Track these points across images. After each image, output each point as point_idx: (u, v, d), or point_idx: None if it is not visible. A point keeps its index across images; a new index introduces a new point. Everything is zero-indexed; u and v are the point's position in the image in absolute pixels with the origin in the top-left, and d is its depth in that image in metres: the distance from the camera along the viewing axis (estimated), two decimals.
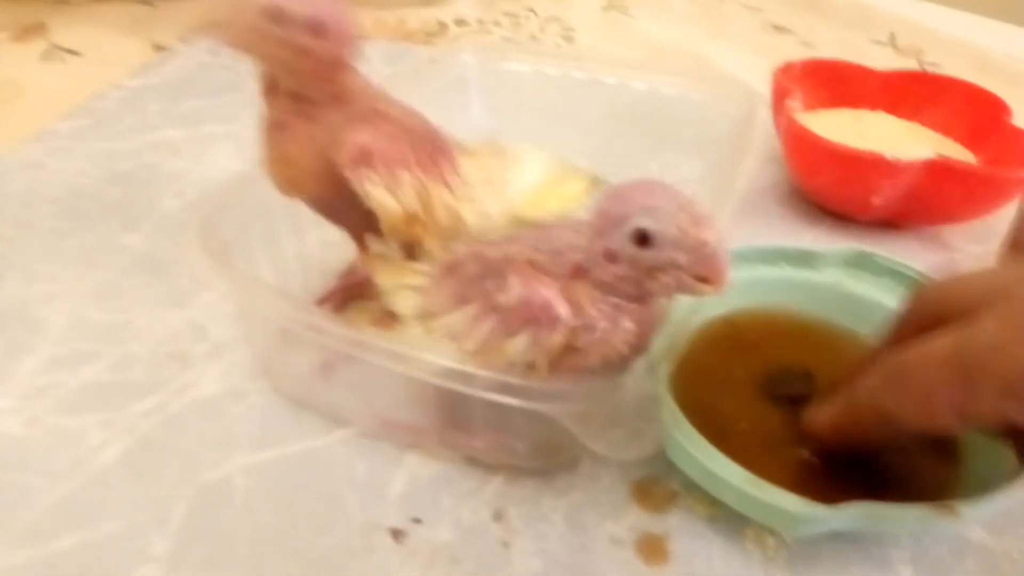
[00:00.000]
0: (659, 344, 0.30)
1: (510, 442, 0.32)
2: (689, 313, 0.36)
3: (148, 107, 0.56)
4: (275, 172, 0.32)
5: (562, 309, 0.25)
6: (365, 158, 0.30)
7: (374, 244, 0.32)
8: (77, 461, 0.32)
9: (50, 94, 0.57)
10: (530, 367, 0.26)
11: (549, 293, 0.25)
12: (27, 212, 0.45)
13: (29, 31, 0.66)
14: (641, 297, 0.26)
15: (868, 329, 0.37)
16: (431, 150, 0.32)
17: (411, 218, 0.31)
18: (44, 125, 0.53)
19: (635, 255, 0.24)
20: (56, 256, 0.42)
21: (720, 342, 0.37)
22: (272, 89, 0.30)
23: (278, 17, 0.27)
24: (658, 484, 0.32)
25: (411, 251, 0.32)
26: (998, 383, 0.24)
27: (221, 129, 0.54)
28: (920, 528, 0.31)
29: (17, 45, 0.64)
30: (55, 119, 0.54)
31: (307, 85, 0.29)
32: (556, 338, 0.25)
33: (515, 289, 0.26)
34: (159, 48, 0.64)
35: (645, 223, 0.24)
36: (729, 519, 0.31)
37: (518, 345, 0.26)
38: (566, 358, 0.26)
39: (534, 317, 0.25)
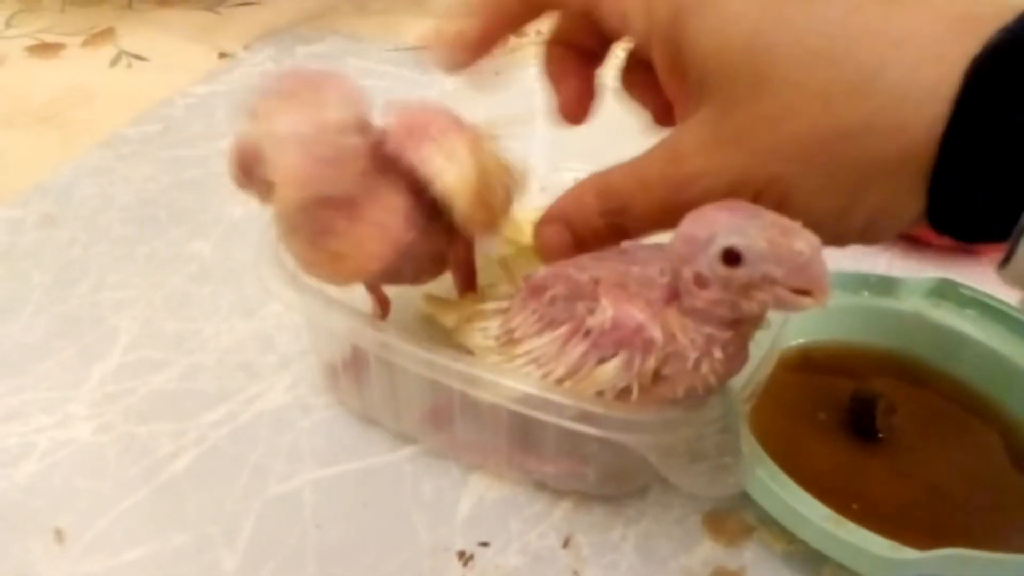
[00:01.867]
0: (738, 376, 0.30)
1: (581, 468, 0.31)
2: (767, 345, 0.35)
3: (215, 114, 0.56)
4: (328, 272, 0.28)
5: (656, 332, 0.24)
6: (420, 130, 0.27)
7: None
8: (148, 470, 0.32)
9: (119, 100, 0.58)
10: (620, 394, 0.25)
11: (642, 316, 0.24)
12: (99, 217, 0.45)
13: (99, 37, 0.67)
14: (736, 323, 0.25)
15: (952, 361, 0.36)
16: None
17: (481, 194, 0.27)
18: (114, 130, 0.54)
19: (726, 276, 0.23)
20: (127, 263, 0.42)
21: (798, 374, 0.36)
22: (304, 209, 0.26)
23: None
24: (732, 516, 0.31)
25: (489, 226, 0.29)
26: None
27: None
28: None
29: (87, 50, 0.65)
30: (124, 125, 0.55)
31: (348, 184, 0.26)
32: (650, 363, 0.24)
33: (607, 311, 0.25)
34: (224, 55, 0.65)
35: (732, 240, 0.23)
36: (807, 557, 0.30)
37: (610, 371, 0.25)
38: (654, 387, 0.25)
39: (627, 341, 0.24)
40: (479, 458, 0.32)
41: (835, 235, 0.23)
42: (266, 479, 0.32)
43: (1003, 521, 0.32)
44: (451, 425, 0.32)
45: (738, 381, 0.29)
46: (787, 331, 0.33)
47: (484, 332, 0.29)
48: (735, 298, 0.24)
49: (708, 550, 0.30)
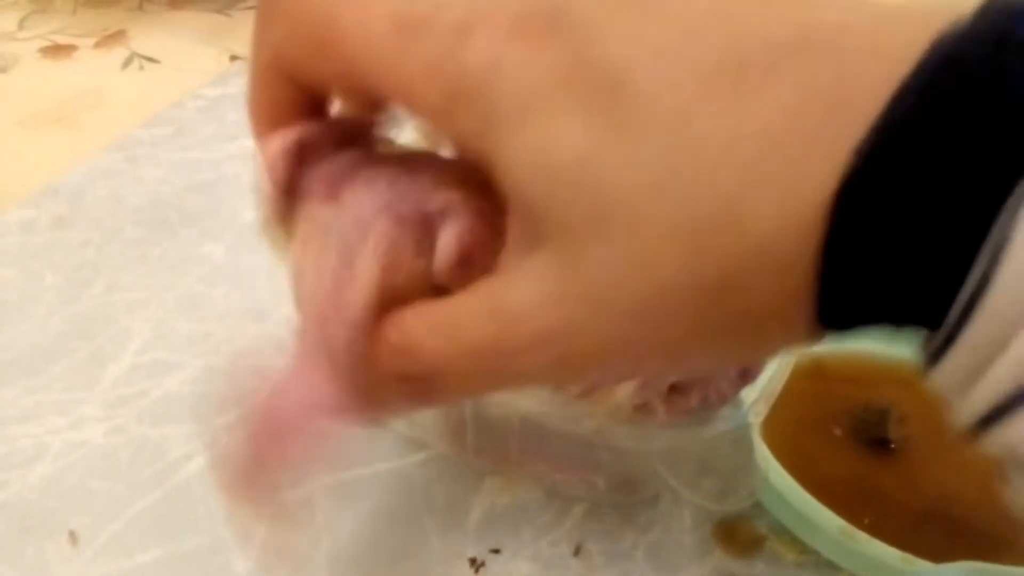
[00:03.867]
0: (751, 386, 0.30)
1: (591, 476, 0.31)
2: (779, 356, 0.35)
3: (226, 117, 0.56)
4: None
5: None
6: None
7: None
8: (161, 472, 0.32)
9: (131, 102, 0.58)
10: (637, 410, 0.25)
11: None
12: (112, 219, 0.45)
13: (111, 38, 0.67)
14: None
15: None
16: None
17: None
18: (126, 132, 0.54)
19: None
20: (139, 264, 0.42)
21: (812, 383, 0.36)
22: None
23: None
24: (743, 526, 0.31)
25: None
26: None
27: None
28: None
29: (99, 52, 0.66)
30: (136, 127, 0.55)
31: None
32: (665, 380, 0.25)
33: None
34: (235, 58, 0.65)
35: None
36: (819, 567, 0.30)
37: (626, 388, 0.25)
38: (669, 397, 0.25)
39: None
40: (491, 463, 0.32)
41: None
42: (278, 483, 0.32)
43: (1019, 532, 0.32)
44: (463, 430, 0.32)
45: (750, 393, 0.29)
46: None
47: None
48: None
49: (719, 560, 0.30)
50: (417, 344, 0.18)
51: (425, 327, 0.18)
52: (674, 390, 0.25)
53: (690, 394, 0.25)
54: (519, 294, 0.17)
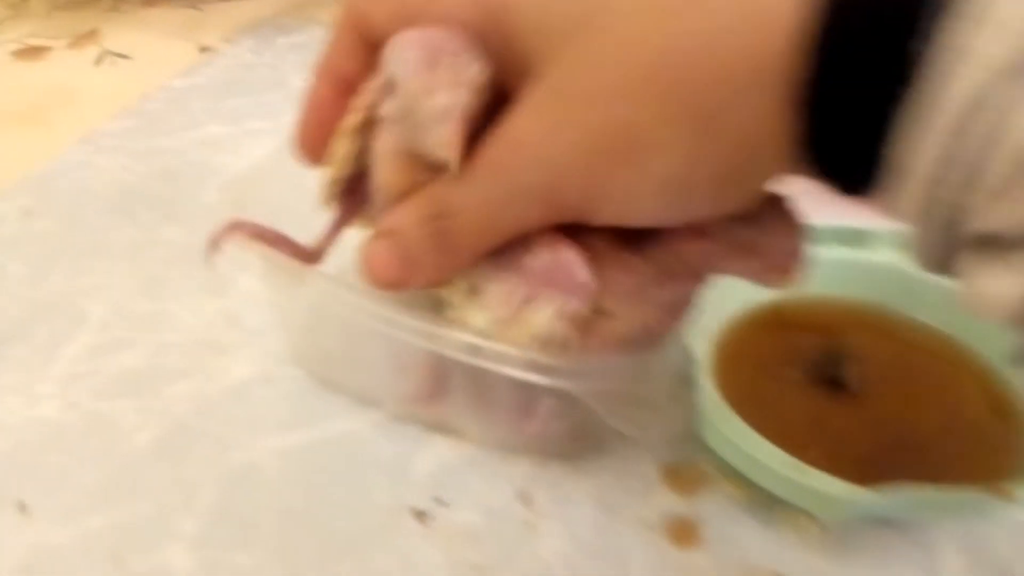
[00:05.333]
0: (698, 327, 0.30)
1: (537, 425, 0.31)
2: (734, 297, 0.35)
3: (193, 106, 0.57)
4: None
5: (585, 274, 0.24)
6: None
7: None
8: (112, 444, 0.32)
9: (101, 97, 0.59)
10: (561, 344, 0.25)
11: (573, 256, 0.24)
12: (76, 209, 0.46)
13: (83, 38, 0.68)
14: (701, 276, 0.25)
15: (927, 311, 0.35)
16: None
17: None
18: (94, 126, 0.55)
19: (729, 230, 0.23)
20: (102, 250, 0.43)
21: (767, 327, 0.36)
22: None
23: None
24: (689, 466, 0.31)
25: None
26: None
27: (263, 125, 0.54)
28: (972, 513, 0.29)
29: (72, 52, 0.66)
30: (105, 120, 0.55)
31: None
32: (583, 308, 0.24)
33: (543, 254, 0.24)
34: (205, 50, 0.65)
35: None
36: (765, 503, 0.29)
37: (544, 316, 0.25)
38: (597, 324, 0.25)
39: (557, 282, 0.24)
40: (439, 419, 0.32)
41: (711, 186, 0.20)
42: (227, 449, 0.32)
43: (978, 465, 0.31)
44: (412, 380, 0.32)
45: (694, 334, 0.29)
46: (760, 288, 0.33)
47: (452, 286, 0.29)
48: (722, 253, 0.24)
49: (664, 500, 0.30)
50: (438, 189, 0.23)
51: (446, 178, 0.23)
52: (603, 315, 0.25)
53: (619, 321, 0.25)
54: (519, 121, 0.21)
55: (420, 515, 0.30)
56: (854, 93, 0.17)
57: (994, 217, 0.15)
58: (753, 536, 0.29)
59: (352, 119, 0.25)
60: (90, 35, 0.69)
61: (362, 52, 0.25)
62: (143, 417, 0.33)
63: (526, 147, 0.21)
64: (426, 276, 0.25)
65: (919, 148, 0.16)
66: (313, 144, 0.26)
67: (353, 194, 0.27)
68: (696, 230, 0.23)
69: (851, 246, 0.37)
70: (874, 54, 0.16)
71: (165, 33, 0.69)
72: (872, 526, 0.29)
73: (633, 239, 0.24)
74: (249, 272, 0.40)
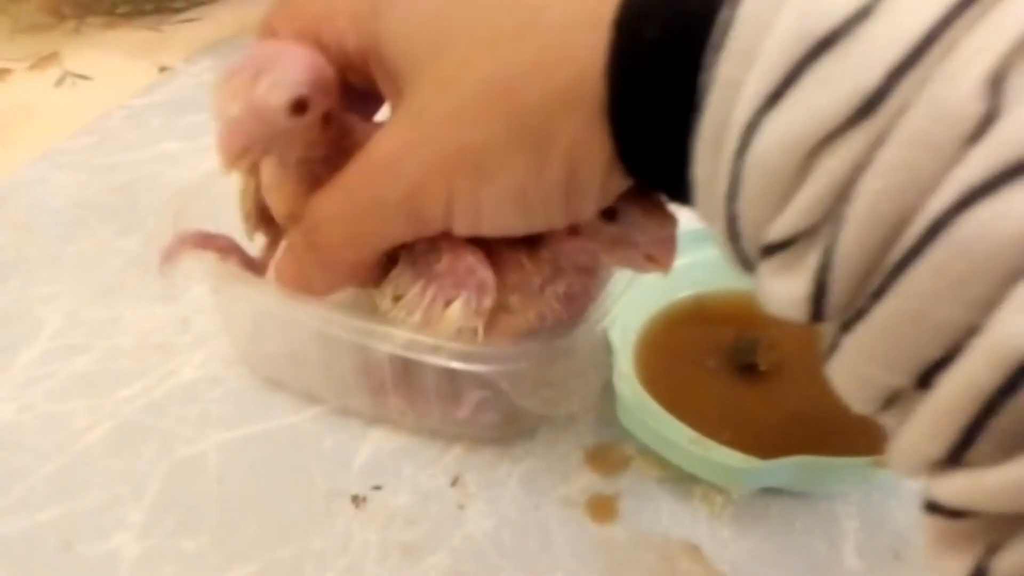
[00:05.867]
0: (621, 320, 0.32)
1: (466, 412, 0.33)
2: (657, 292, 0.37)
3: (150, 123, 0.58)
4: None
5: (486, 273, 0.26)
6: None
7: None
8: (64, 442, 0.34)
9: (61, 117, 0.61)
10: (474, 335, 0.27)
11: (473, 259, 0.26)
12: (32, 222, 0.47)
13: (45, 60, 0.70)
14: (586, 270, 0.27)
15: None
16: None
17: None
18: (53, 144, 0.56)
19: (599, 227, 0.26)
20: (57, 261, 0.44)
21: (688, 319, 0.38)
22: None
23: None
24: (612, 449, 0.33)
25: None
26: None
27: None
28: (867, 483, 0.32)
29: (33, 73, 0.68)
30: (63, 139, 0.57)
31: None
32: (487, 301, 0.27)
33: (446, 258, 0.27)
34: (164, 69, 0.67)
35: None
36: (679, 480, 0.32)
37: (455, 312, 0.27)
38: (506, 316, 0.27)
39: (462, 282, 0.26)
40: (377, 411, 0.34)
41: (556, 198, 0.22)
42: (174, 444, 0.34)
43: (875, 438, 0.33)
44: (351, 377, 0.34)
45: (608, 321, 0.31)
46: (681, 279, 0.35)
47: (382, 293, 0.31)
48: (599, 249, 0.26)
49: (587, 480, 0.32)
50: (314, 202, 0.25)
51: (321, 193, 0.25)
52: (509, 309, 0.27)
53: (526, 310, 0.27)
54: (380, 139, 0.23)
55: (357, 500, 0.31)
56: (646, 116, 0.19)
57: (765, 228, 0.17)
58: (667, 510, 0.31)
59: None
60: (51, 57, 0.70)
61: None
62: (96, 417, 0.35)
63: (386, 164, 0.23)
64: (324, 284, 0.27)
65: (696, 166, 0.18)
66: (231, 157, 0.28)
67: (272, 221, 0.29)
68: (572, 230, 0.25)
69: None
70: (657, 83, 0.18)
71: (126, 54, 0.70)
72: (777, 498, 0.31)
73: (525, 241, 0.26)
74: (198, 280, 0.41)
